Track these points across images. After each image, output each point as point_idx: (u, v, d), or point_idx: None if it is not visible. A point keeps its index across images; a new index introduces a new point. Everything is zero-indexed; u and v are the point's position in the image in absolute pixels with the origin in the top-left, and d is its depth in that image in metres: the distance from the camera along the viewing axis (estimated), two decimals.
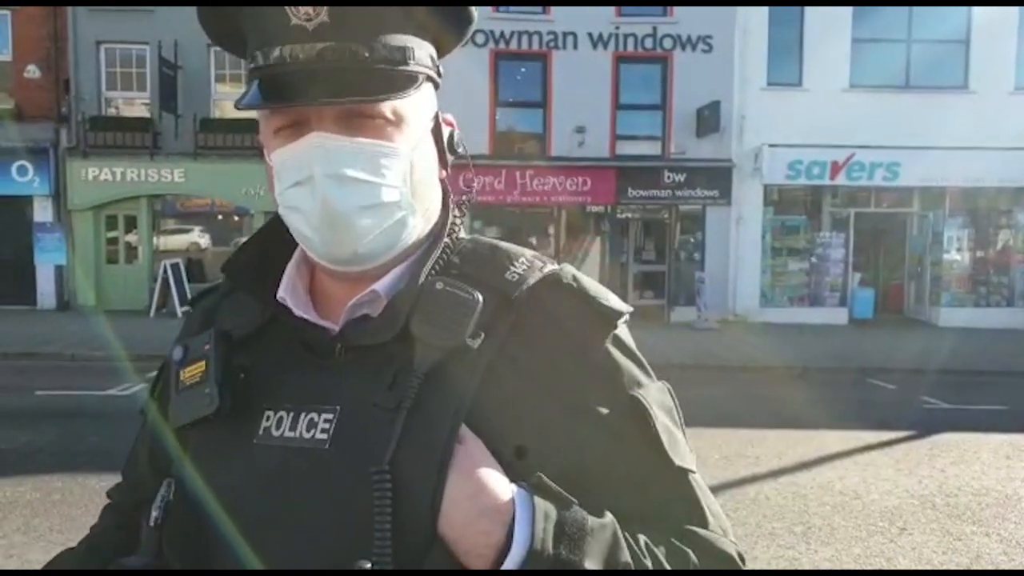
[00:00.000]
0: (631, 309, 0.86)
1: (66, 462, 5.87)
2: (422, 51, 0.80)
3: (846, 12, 15.64)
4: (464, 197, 0.92)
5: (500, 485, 0.72)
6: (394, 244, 0.81)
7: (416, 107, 0.81)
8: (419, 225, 0.83)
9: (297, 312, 0.83)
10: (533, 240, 15.99)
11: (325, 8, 0.73)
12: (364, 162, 0.76)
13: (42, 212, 15.78)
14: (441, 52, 0.85)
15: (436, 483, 0.71)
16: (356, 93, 0.74)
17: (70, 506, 5.01)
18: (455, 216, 0.89)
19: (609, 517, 0.74)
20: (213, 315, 0.91)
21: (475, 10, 0.84)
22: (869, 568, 4.39)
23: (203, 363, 0.82)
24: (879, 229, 16.91)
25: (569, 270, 0.86)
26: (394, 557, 0.70)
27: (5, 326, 12.85)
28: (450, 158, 0.89)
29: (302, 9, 0.73)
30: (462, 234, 0.89)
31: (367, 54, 0.75)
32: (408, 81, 0.77)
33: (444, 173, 0.89)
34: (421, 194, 0.82)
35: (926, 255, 16.55)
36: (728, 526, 0.83)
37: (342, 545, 0.72)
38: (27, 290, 15.72)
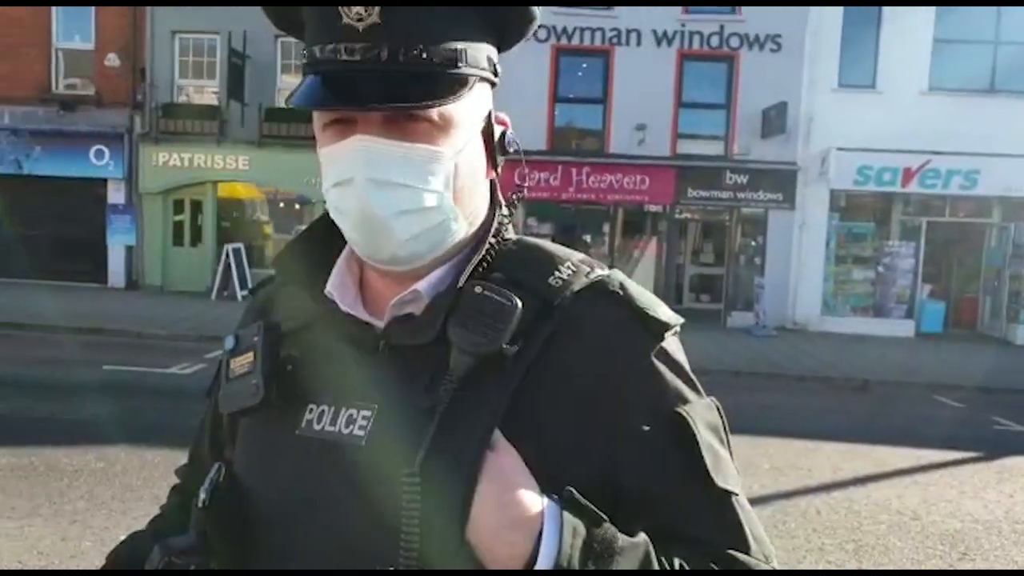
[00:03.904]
0: (681, 320, 0.83)
1: (128, 435, 6.09)
2: (476, 52, 0.78)
3: (928, 10, 15.04)
4: (515, 195, 0.90)
5: (530, 497, 0.71)
6: (436, 247, 0.80)
7: (465, 110, 0.79)
8: (462, 228, 0.82)
9: (343, 307, 0.83)
10: (587, 238, 15.88)
11: (377, 8, 0.72)
12: (406, 167, 0.75)
13: (115, 194, 16.45)
14: (501, 48, 0.84)
15: (466, 490, 0.71)
16: (403, 97, 0.72)
17: (130, 477, 5.21)
18: (503, 216, 0.87)
19: (642, 537, 0.72)
20: (270, 305, 0.93)
21: (537, 8, 0.82)
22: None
23: (251, 354, 0.84)
24: (953, 239, 16.23)
25: (617, 277, 0.83)
26: (421, 561, 0.70)
27: (78, 302, 13.41)
28: (500, 159, 0.87)
29: (353, 8, 0.72)
30: (510, 234, 0.87)
31: (416, 57, 0.73)
32: (457, 85, 0.76)
33: (493, 174, 0.87)
34: (465, 198, 0.81)
35: (1005, 268, 15.79)
36: (771, 552, 0.79)
37: (371, 542, 0.73)
38: (99, 269, 16.42)
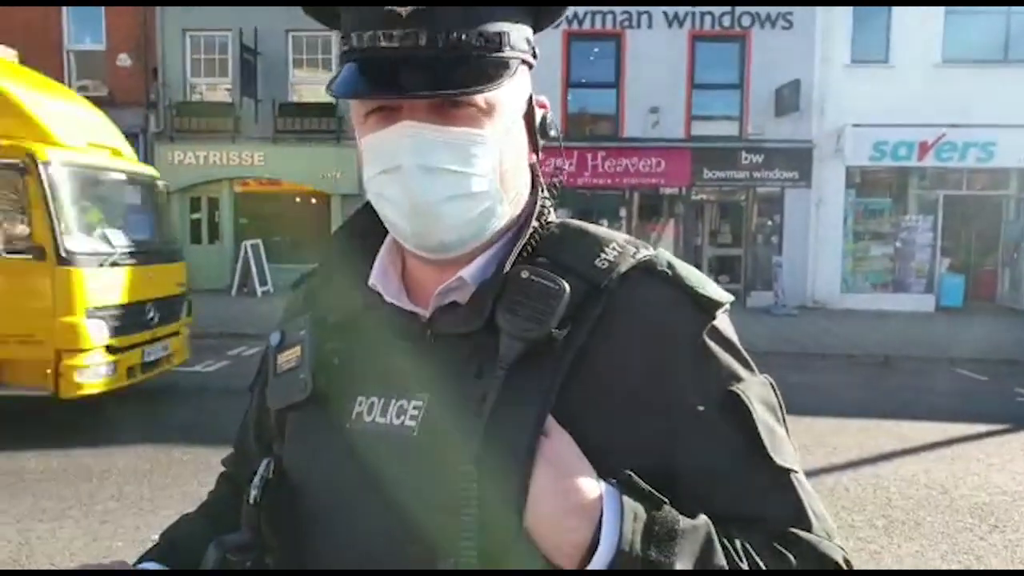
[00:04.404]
0: (732, 298, 0.82)
1: (155, 434, 6.15)
2: (518, 35, 0.77)
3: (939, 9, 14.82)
4: (555, 180, 0.89)
5: (588, 482, 0.70)
6: (482, 232, 0.79)
7: (509, 94, 0.78)
8: (507, 213, 0.81)
9: (388, 298, 0.83)
10: (604, 223, 15.75)
11: None
12: (454, 152, 0.74)
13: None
14: (535, 30, 0.83)
15: (522, 478, 0.70)
16: (450, 82, 0.72)
17: (159, 476, 5.25)
18: (544, 199, 0.87)
19: (703, 518, 0.72)
20: (313, 299, 0.92)
21: None
22: (959, 567, 4.20)
23: (298, 348, 0.83)
24: (970, 212, 16.04)
25: (664, 256, 0.82)
26: (479, 551, 0.69)
27: None
28: (541, 142, 0.86)
29: None
30: (552, 218, 0.86)
31: (461, 41, 0.72)
32: (502, 69, 0.75)
33: (534, 157, 0.86)
34: (510, 181, 0.80)
35: (1023, 240, 15.63)
36: (833, 528, 0.78)
37: (429, 534, 0.72)
38: None
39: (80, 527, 4.41)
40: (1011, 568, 4.21)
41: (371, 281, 0.85)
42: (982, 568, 4.19)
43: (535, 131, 0.84)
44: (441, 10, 0.71)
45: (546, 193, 0.88)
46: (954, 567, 4.20)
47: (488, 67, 0.74)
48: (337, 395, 0.81)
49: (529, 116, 0.83)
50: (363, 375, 0.81)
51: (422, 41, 0.71)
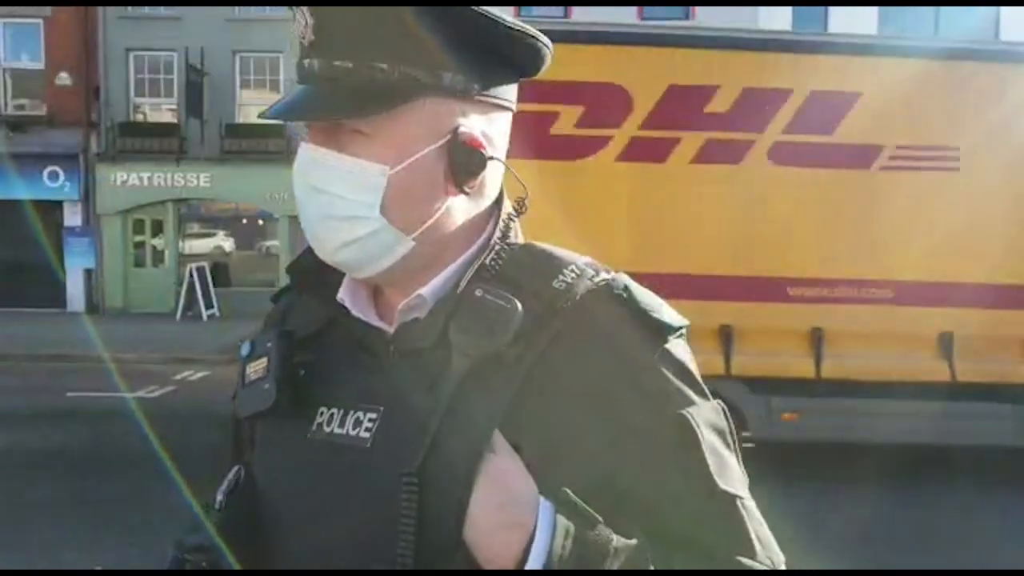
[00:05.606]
0: (687, 323, 0.83)
1: (97, 463, 5.97)
2: (424, 66, 0.76)
3: (871, 12, 15.50)
4: (516, 206, 0.89)
5: (527, 498, 0.73)
6: (375, 258, 0.79)
7: (405, 124, 0.77)
8: (403, 243, 0.79)
9: (354, 312, 0.85)
10: None
11: (311, 26, 0.77)
12: (329, 174, 0.78)
13: (72, 216, 16.10)
14: (518, 76, 0.87)
15: (463, 491, 0.72)
16: (334, 109, 0.77)
17: (94, 507, 5.02)
18: (506, 221, 0.88)
19: (636, 540, 0.73)
20: (289, 312, 0.95)
21: (542, 42, 0.87)
22: None
23: (265, 359, 0.85)
24: None
25: (622, 280, 0.83)
26: (416, 560, 0.72)
27: (36, 328, 13.09)
28: (483, 175, 0.83)
29: (302, 26, 0.78)
30: (517, 239, 0.87)
31: (348, 69, 0.76)
32: (387, 99, 0.76)
33: (457, 192, 0.82)
34: (404, 211, 0.78)
35: None
36: (779, 558, 0.79)
37: (372, 543, 0.75)
38: (57, 293, 16.02)
39: (15, 562, 4.19)
40: None
41: (339, 296, 0.87)
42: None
43: (457, 164, 0.80)
44: (329, 42, 0.77)
45: (511, 216, 0.88)
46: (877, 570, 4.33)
47: (370, 96, 0.75)
48: (301, 406, 0.83)
49: (454, 149, 0.80)
50: (327, 387, 0.83)
51: (315, 68, 0.78)
